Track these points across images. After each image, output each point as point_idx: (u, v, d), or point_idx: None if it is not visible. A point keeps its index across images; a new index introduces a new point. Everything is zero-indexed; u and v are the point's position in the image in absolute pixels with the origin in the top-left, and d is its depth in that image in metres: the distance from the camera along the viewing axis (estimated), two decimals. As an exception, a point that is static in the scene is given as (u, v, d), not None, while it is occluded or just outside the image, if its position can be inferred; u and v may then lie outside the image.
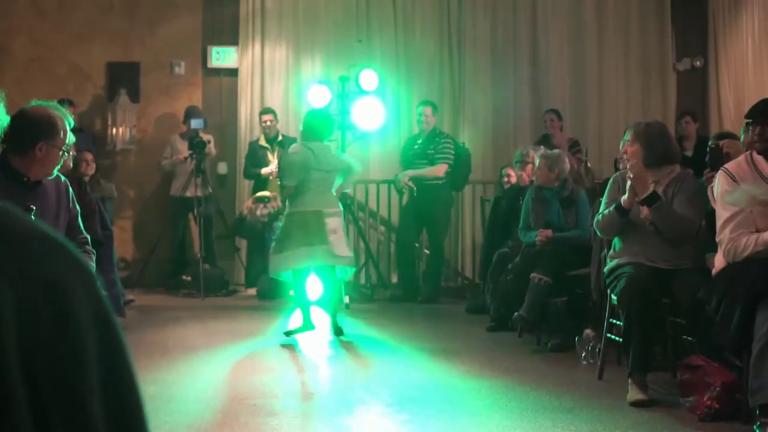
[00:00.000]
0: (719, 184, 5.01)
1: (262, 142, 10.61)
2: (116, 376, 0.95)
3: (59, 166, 4.72)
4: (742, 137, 5.78)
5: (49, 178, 4.77)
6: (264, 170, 10.41)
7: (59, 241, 0.94)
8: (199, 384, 5.88)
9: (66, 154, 4.69)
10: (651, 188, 5.48)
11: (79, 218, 5.09)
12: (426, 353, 6.89)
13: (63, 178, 5.02)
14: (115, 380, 0.95)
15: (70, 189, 5.07)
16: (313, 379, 6.17)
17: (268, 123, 10.56)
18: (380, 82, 9.89)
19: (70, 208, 5.00)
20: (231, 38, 11.47)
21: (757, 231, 4.77)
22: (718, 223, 4.94)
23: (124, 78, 11.25)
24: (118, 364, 0.96)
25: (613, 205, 5.61)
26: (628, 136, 5.79)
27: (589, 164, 8.91)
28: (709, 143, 7.12)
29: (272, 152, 10.45)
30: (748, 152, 5.12)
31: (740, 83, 12.03)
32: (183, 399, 5.39)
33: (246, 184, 11.18)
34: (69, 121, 4.70)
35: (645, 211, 5.53)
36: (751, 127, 5.00)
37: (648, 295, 5.28)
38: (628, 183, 5.52)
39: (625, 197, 5.55)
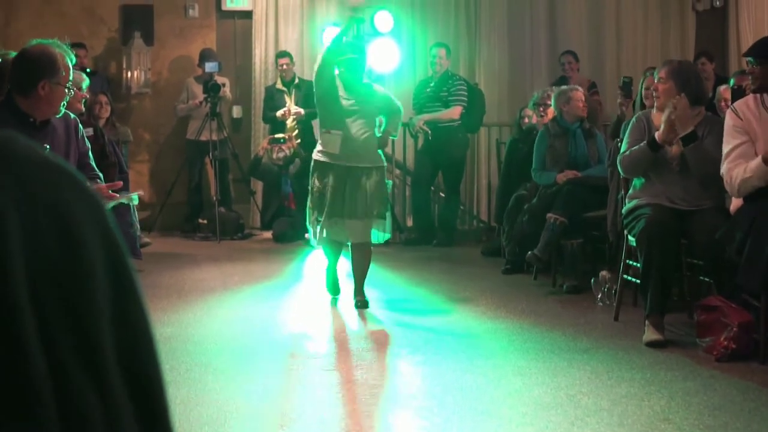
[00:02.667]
0: (726, 121, 5.01)
1: (279, 86, 10.55)
2: (126, 302, 0.94)
3: (65, 103, 4.70)
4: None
5: (57, 116, 4.75)
6: (278, 113, 10.35)
7: (67, 168, 0.93)
8: (215, 325, 5.92)
9: (71, 90, 4.66)
10: (691, 127, 5.43)
11: (90, 155, 5.08)
12: (441, 296, 6.90)
13: (72, 115, 5.00)
14: (124, 307, 0.94)
15: (80, 126, 5.05)
16: (328, 322, 6.19)
17: (285, 66, 10.49)
18: (395, 24, 9.80)
19: (80, 145, 5.00)
20: (245, -20, 11.36)
21: None
22: (723, 157, 4.94)
23: (137, 21, 11.17)
24: (127, 291, 0.95)
25: (645, 141, 5.53)
26: (659, 73, 5.71)
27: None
28: (732, 81, 7.06)
29: (289, 95, 10.40)
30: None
31: (760, 22, 11.86)
32: (200, 340, 5.42)
33: (261, 127, 11.15)
34: (71, 57, 4.66)
35: (675, 149, 5.47)
36: (748, 66, 4.98)
37: (668, 237, 5.25)
38: (664, 117, 5.41)
39: (659, 132, 5.45)
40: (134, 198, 6.37)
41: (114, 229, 0.95)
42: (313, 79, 6.53)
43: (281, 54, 10.64)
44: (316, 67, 6.47)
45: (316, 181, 6.26)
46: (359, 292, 6.50)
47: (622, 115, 7.78)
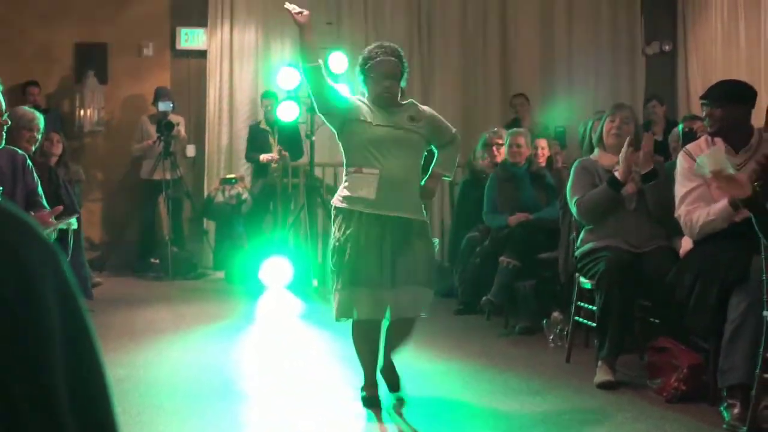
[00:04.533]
0: (680, 164, 5.09)
1: (264, 126, 10.57)
2: (79, 348, 0.94)
3: (4, 135, 4.61)
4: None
5: None
6: (263, 156, 10.35)
7: (23, 218, 0.93)
8: (167, 366, 5.86)
9: (6, 122, 4.57)
10: (651, 165, 5.52)
11: (40, 191, 5.02)
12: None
13: (20, 151, 4.95)
14: (78, 353, 0.94)
15: (29, 162, 5.00)
16: (281, 363, 6.16)
17: (269, 107, 10.46)
18: (349, 65, 9.84)
19: (28, 181, 4.94)
20: (200, 20, 11.39)
21: None
22: (677, 199, 5.02)
23: (92, 59, 11.15)
24: (81, 336, 0.95)
25: (605, 183, 5.59)
26: (622, 113, 5.81)
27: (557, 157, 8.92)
28: (681, 126, 7.18)
29: (273, 135, 10.40)
30: (707, 134, 5.20)
31: (708, 67, 12.10)
32: (152, 382, 5.37)
33: (215, 167, 11.14)
34: None
35: (631, 187, 5.55)
36: (705, 109, 5.06)
37: (627, 280, 5.30)
38: (623, 156, 5.50)
39: (619, 171, 5.52)
40: (72, 222, 6.27)
41: (68, 276, 0.96)
42: (318, 113, 4.92)
43: (266, 94, 10.63)
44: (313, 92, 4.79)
45: (339, 234, 4.65)
46: (389, 369, 5.08)
47: (556, 163, 7.96)
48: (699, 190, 4.90)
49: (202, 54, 11.43)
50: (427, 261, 4.76)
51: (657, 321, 5.52)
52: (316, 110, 4.87)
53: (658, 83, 12.11)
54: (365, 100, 4.80)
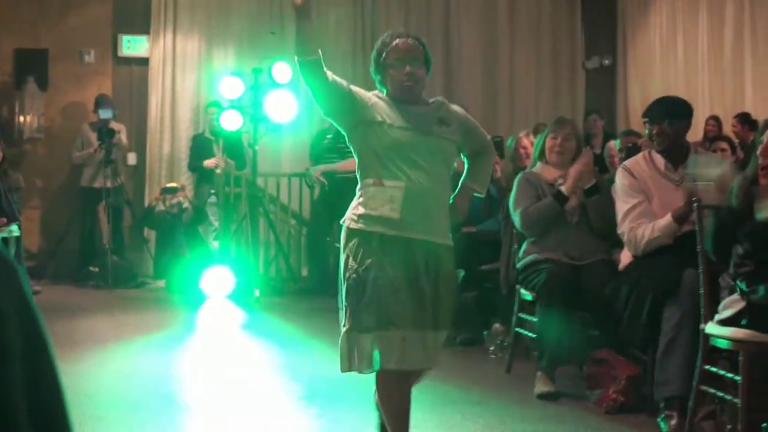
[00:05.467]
0: (619, 180, 5.17)
1: (208, 135, 10.52)
2: (39, 367, 0.95)
3: None
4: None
5: None
6: (207, 162, 10.32)
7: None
8: (108, 377, 5.82)
9: None
10: (593, 179, 5.61)
11: None
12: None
13: None
14: (38, 372, 0.95)
15: None
16: (223, 373, 6.14)
17: (214, 116, 10.40)
18: (293, 75, 9.84)
19: None
20: (142, 27, 11.33)
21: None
22: (619, 216, 5.11)
23: (32, 65, 11.03)
24: (41, 356, 0.96)
25: (552, 195, 5.66)
26: (565, 129, 5.89)
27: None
28: (618, 141, 7.30)
29: (217, 144, 10.36)
30: (647, 150, 5.30)
31: (647, 82, 12.32)
32: (92, 392, 5.32)
33: (157, 174, 11.08)
34: None
35: (573, 201, 5.63)
36: (648, 126, 5.15)
37: (567, 292, 5.37)
38: (573, 170, 5.60)
39: (566, 185, 5.61)
40: (14, 230, 6.19)
41: (27, 291, 0.97)
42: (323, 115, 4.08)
43: (212, 104, 10.58)
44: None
45: (356, 263, 3.71)
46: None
47: (495, 173, 8.02)
48: (641, 206, 5.00)
49: (144, 61, 11.36)
50: (450, 297, 3.88)
51: (596, 333, 5.60)
52: (323, 113, 3.99)
53: (597, 97, 12.30)
54: (384, 96, 3.93)
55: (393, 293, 3.64)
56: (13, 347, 0.92)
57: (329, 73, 3.80)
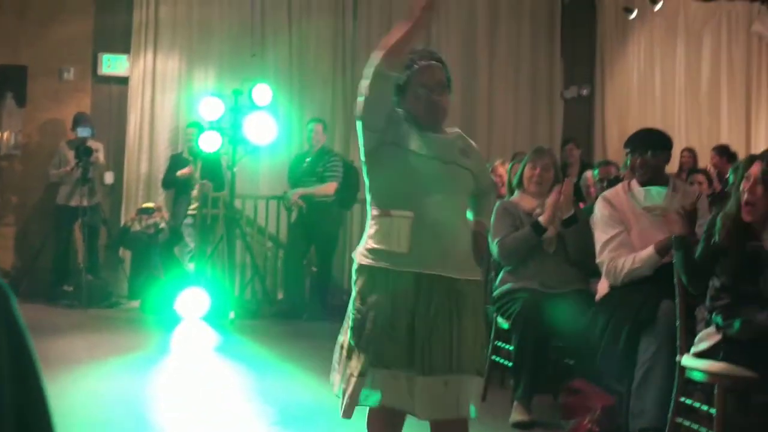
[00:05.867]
0: (599, 210, 5.20)
1: (186, 155, 10.51)
2: (29, 390, 0.95)
3: None
4: (627, 163, 5.95)
5: None
6: (180, 171, 10.31)
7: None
8: (81, 397, 5.77)
9: None
10: (572, 210, 5.63)
11: None
12: (312, 372, 6.87)
13: None
14: (27, 394, 0.95)
15: None
16: (196, 395, 6.11)
17: (193, 137, 10.41)
18: (273, 97, 9.86)
19: None
20: (123, 46, 11.30)
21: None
22: (598, 246, 5.12)
23: (10, 81, 10.98)
24: (31, 379, 0.96)
25: (530, 226, 5.67)
26: (544, 160, 5.91)
27: None
28: (596, 171, 7.34)
29: (195, 165, 10.33)
30: (626, 181, 5.33)
31: (624, 113, 12.44)
32: (65, 413, 5.27)
33: (134, 194, 11.04)
34: None
35: (551, 231, 5.65)
36: (630, 157, 5.18)
37: (542, 321, 5.38)
38: (550, 201, 5.61)
39: (543, 216, 5.63)
40: None
41: (17, 315, 0.97)
42: (358, 121, 3.53)
43: (190, 124, 10.57)
44: (362, 94, 3.45)
45: (360, 303, 3.45)
46: None
47: None
48: (620, 237, 5.02)
49: (123, 81, 11.33)
50: (476, 338, 3.47)
51: (572, 362, 5.61)
52: (361, 121, 3.51)
53: (575, 126, 12.37)
54: (405, 118, 3.59)
55: (390, 334, 3.34)
56: (1, 369, 0.92)
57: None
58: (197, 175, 10.26)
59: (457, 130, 3.75)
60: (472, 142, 3.77)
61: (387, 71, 3.35)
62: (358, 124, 3.52)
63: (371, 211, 3.55)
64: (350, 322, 3.46)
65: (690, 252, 4.36)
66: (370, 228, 3.53)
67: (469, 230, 3.62)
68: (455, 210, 3.54)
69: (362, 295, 3.44)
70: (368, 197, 3.57)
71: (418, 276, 3.39)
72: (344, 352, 3.49)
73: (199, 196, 10.25)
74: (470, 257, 3.55)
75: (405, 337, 3.35)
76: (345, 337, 3.49)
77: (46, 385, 0.96)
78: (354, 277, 3.53)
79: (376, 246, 3.46)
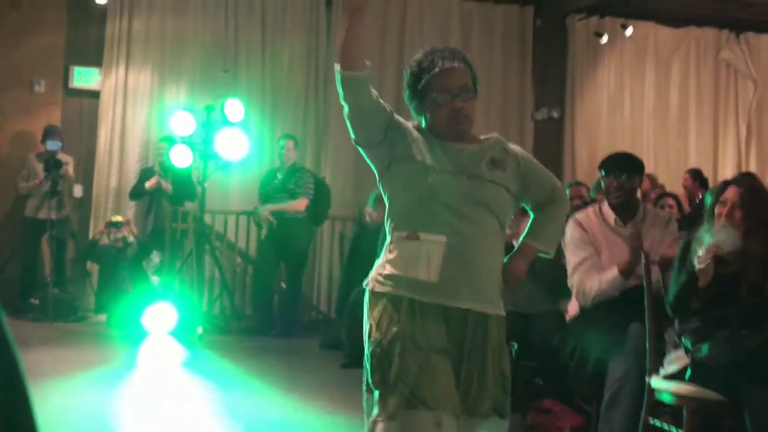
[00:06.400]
0: (570, 233, 5.23)
1: (157, 169, 10.47)
2: (14, 400, 0.95)
3: None
4: (600, 185, 5.97)
5: None
6: (149, 182, 10.27)
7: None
8: (47, 413, 5.71)
9: None
10: None
11: None
12: (280, 388, 6.87)
13: None
14: (12, 403, 0.95)
15: None
16: (165, 411, 6.07)
17: (164, 152, 10.39)
18: (245, 113, 9.86)
19: None
20: (95, 59, 11.25)
21: None
22: (569, 268, 5.15)
23: (-20, 93, 10.92)
24: (16, 388, 0.96)
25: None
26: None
27: None
28: (567, 191, 7.38)
29: (165, 179, 10.29)
30: (596, 204, 5.37)
31: (594, 135, 12.55)
32: (30, 427, 5.23)
33: (102, 208, 10.98)
34: None
35: None
36: (605, 179, 5.21)
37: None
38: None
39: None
40: None
41: (4, 326, 0.97)
42: (356, 146, 3.27)
43: (163, 139, 10.55)
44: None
45: (380, 334, 3.03)
46: None
47: None
48: (591, 259, 5.06)
49: (95, 94, 11.28)
50: (501, 377, 3.12)
51: (541, 382, 5.64)
52: (352, 139, 3.20)
53: (545, 148, 12.44)
54: (423, 130, 3.21)
55: (424, 367, 2.93)
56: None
57: (374, 93, 3.12)
58: (167, 185, 10.22)
59: (495, 135, 3.29)
60: (514, 148, 3.28)
61: (349, 72, 3.02)
62: (359, 150, 3.21)
63: (391, 234, 3.16)
64: (369, 359, 3.02)
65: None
66: (390, 252, 3.12)
67: (501, 256, 3.21)
68: (486, 234, 3.09)
69: (381, 328, 3.02)
70: (387, 221, 3.21)
71: (446, 310, 3.02)
72: (369, 382, 3.03)
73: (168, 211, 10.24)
74: (498, 289, 3.18)
75: (443, 373, 2.95)
76: (371, 377, 3.02)
77: (33, 400, 0.96)
78: (366, 307, 3.12)
79: (396, 272, 3.06)
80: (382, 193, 3.23)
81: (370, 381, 3.01)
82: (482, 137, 3.26)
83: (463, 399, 2.99)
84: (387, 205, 3.22)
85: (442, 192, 3.05)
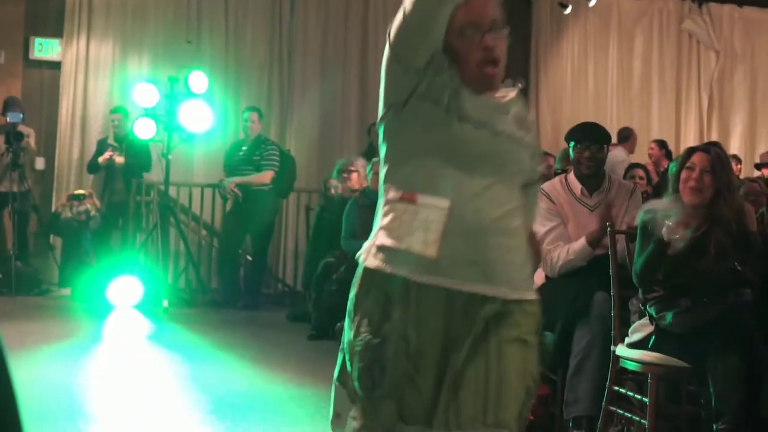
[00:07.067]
0: (538, 203, 5.23)
1: (111, 141, 10.38)
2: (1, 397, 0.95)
3: None
4: (567, 156, 5.99)
5: None
6: (102, 157, 10.18)
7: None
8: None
9: None
10: None
11: None
12: (247, 360, 6.86)
13: None
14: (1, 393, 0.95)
15: None
16: (131, 384, 6.05)
17: (116, 122, 10.33)
18: (209, 85, 9.79)
19: None
20: (55, 30, 11.13)
21: None
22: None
23: (-62, 64, 10.76)
24: (3, 387, 0.96)
25: None
26: None
27: None
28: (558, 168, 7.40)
29: (121, 152, 10.20)
30: (563, 174, 5.39)
31: (558, 107, 12.59)
32: (-5, 401, 5.20)
33: (65, 181, 10.90)
34: None
35: None
36: (575, 150, 5.21)
37: None
38: None
39: None
40: None
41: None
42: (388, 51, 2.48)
43: (115, 110, 10.46)
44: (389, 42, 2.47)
45: (366, 328, 2.49)
46: None
47: None
48: (558, 230, 5.07)
49: (56, 65, 11.16)
50: (520, 379, 2.45)
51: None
52: (392, 50, 2.46)
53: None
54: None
55: (414, 380, 2.42)
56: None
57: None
58: (120, 160, 10.14)
59: (514, 89, 2.65)
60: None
61: None
62: (386, 59, 2.50)
63: (386, 192, 2.58)
64: (355, 359, 2.50)
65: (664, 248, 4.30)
66: (384, 216, 2.55)
67: (525, 230, 2.59)
68: (507, 200, 2.50)
69: (371, 321, 2.47)
70: (383, 172, 2.62)
71: (449, 294, 2.43)
72: (347, 387, 2.58)
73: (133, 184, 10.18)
74: (525, 267, 2.54)
75: (429, 383, 2.42)
76: (346, 367, 2.58)
77: (18, 394, 0.96)
78: (354, 287, 2.57)
79: (389, 243, 2.48)
80: (380, 133, 2.63)
81: (356, 385, 2.50)
82: (501, 89, 2.62)
83: (466, 402, 2.37)
84: (382, 155, 2.62)
85: (462, 146, 2.45)
